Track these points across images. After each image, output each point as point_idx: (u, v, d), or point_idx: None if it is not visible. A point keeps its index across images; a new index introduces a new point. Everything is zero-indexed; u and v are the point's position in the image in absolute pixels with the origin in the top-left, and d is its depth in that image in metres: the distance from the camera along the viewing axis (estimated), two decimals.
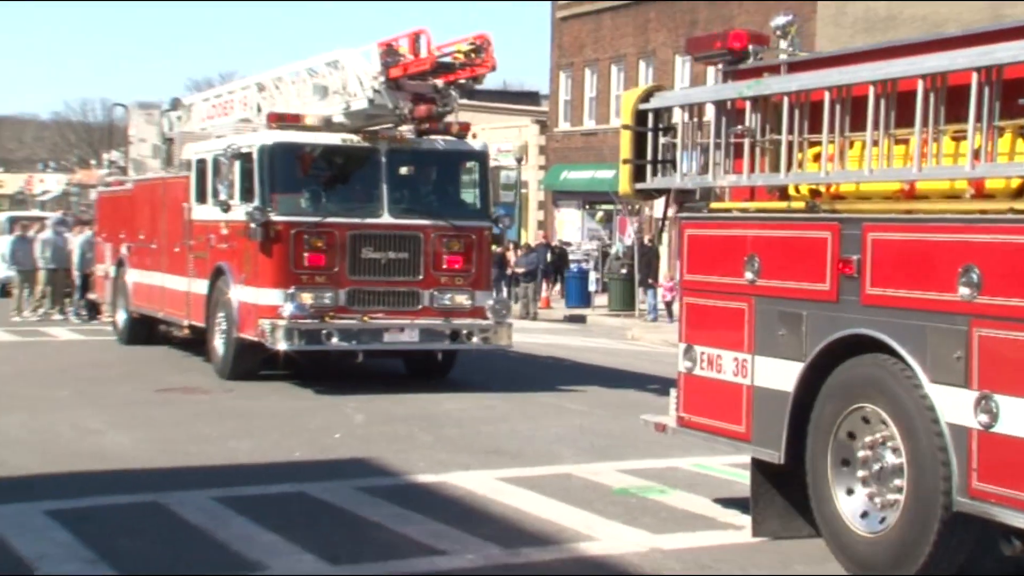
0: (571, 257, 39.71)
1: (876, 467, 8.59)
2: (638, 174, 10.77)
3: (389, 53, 16.29)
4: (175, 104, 23.52)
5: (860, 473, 8.73)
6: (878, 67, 8.67)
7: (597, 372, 21.30)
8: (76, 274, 28.77)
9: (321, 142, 17.66)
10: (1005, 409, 7.43)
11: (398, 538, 9.49)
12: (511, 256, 36.13)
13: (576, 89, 49.21)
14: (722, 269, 9.84)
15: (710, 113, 10.17)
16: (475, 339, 17.66)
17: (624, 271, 36.34)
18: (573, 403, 17.35)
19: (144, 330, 23.13)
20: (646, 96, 10.79)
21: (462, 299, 17.75)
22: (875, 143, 8.54)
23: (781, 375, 9.24)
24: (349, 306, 17.20)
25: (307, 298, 16.91)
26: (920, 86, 8.20)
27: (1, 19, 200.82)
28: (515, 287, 35.70)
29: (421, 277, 17.52)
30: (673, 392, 10.52)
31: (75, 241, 29.10)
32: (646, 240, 38.32)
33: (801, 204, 9.31)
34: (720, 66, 10.44)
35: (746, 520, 10.18)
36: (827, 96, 8.96)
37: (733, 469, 12.16)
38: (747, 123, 9.65)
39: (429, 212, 17.81)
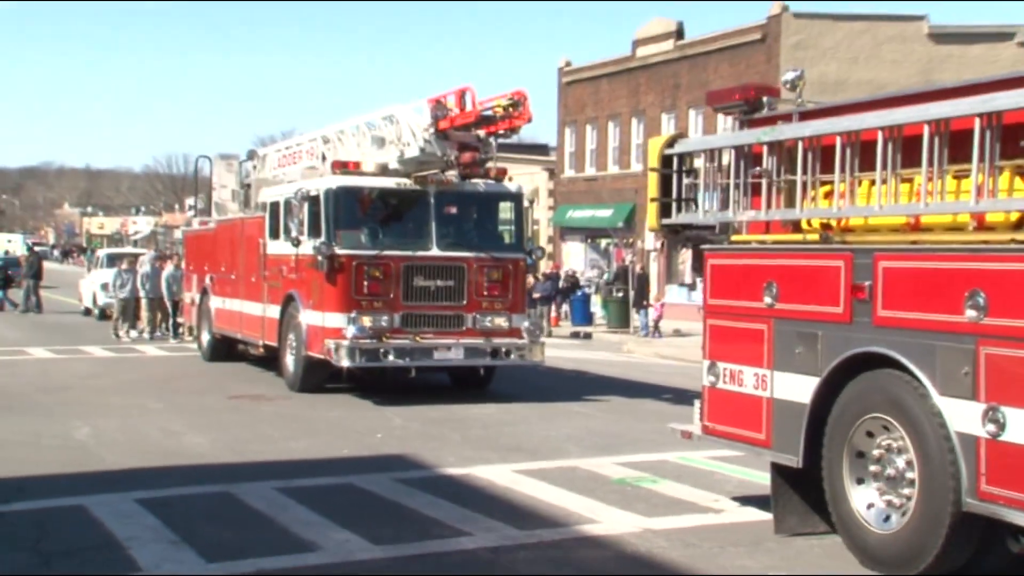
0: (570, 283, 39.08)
1: (888, 471, 8.06)
2: (664, 211, 10.15)
3: (438, 107, 15.93)
4: (251, 155, 23.16)
5: (873, 477, 8.21)
6: (886, 114, 8.15)
7: (600, 381, 21.11)
8: (168, 302, 28.37)
9: (378, 185, 17.17)
10: (1012, 419, 6.95)
11: (431, 522, 9.44)
12: (530, 281, 35.51)
13: (579, 142, 48.86)
14: (743, 294, 9.27)
15: (728, 157, 9.58)
16: (513, 356, 17.14)
17: (620, 294, 35.89)
18: (581, 407, 17.20)
19: (224, 349, 22.65)
20: (670, 142, 10.33)
21: (501, 321, 17.20)
22: (883, 181, 8.04)
23: (798, 388, 8.72)
24: (403, 328, 16.71)
25: (367, 321, 16.43)
26: (926, 130, 7.75)
27: (102, 85, 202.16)
28: (532, 309, 35.04)
29: (465, 302, 17.00)
30: (697, 403, 9.91)
31: (162, 274, 28.67)
32: (638, 268, 37.91)
33: (815, 236, 8.79)
34: (737, 115, 9.77)
35: (725, 504, 10.27)
36: (838, 140, 8.45)
37: (713, 462, 12.11)
38: (764, 165, 9.05)
39: (472, 245, 17.31)
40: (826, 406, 8.41)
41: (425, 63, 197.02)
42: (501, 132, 15.92)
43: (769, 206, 9.07)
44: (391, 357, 16.40)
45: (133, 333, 28.73)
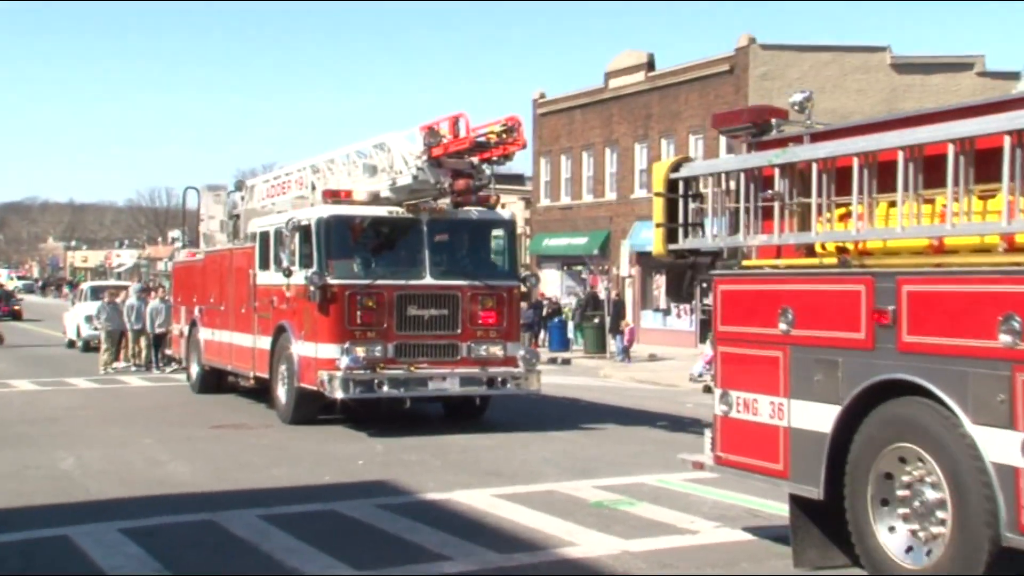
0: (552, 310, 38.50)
1: (916, 503, 7.48)
2: (670, 236, 9.55)
3: (431, 135, 15.22)
4: (239, 185, 22.42)
5: (900, 509, 7.65)
6: (908, 134, 7.59)
7: (578, 405, 20.71)
8: (151, 334, 27.60)
9: (370, 214, 16.51)
10: None
11: (412, 546, 9.29)
12: None
13: (554, 172, 48.42)
14: (756, 320, 8.71)
15: (736, 180, 9.02)
16: (509, 385, 16.44)
17: (596, 320, 35.42)
18: (559, 431, 16.79)
19: (214, 380, 21.77)
20: (676, 166, 9.76)
21: (496, 350, 16.49)
22: (905, 203, 7.42)
23: (818, 417, 8.13)
24: (397, 358, 15.98)
25: (360, 351, 15.69)
26: (951, 149, 7.16)
27: (85, 121, 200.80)
28: None
29: (459, 331, 16.30)
30: (708, 432, 9.33)
31: (147, 307, 27.86)
32: (613, 294, 37.42)
33: (832, 260, 8.18)
34: (744, 138, 9.21)
35: (701, 525, 10.09)
36: (856, 161, 7.87)
37: (689, 484, 11.95)
38: (776, 188, 8.49)
39: (465, 274, 16.61)
40: (848, 435, 7.85)
41: (399, 96, 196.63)
42: (495, 159, 15.29)
43: (781, 230, 8.52)
44: (386, 388, 15.69)
45: (119, 364, 27.90)
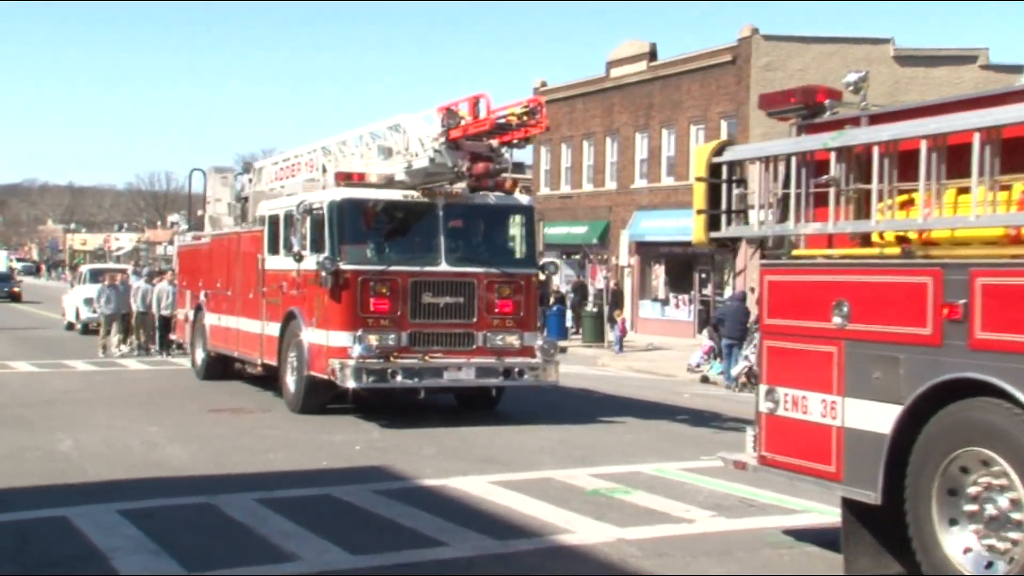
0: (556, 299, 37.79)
1: (990, 512, 6.81)
2: (713, 224, 8.82)
3: (450, 116, 14.39)
4: (247, 168, 21.58)
5: (971, 517, 6.96)
6: (985, 114, 6.84)
7: (576, 394, 20.21)
8: (157, 318, 26.89)
9: (384, 198, 15.68)
10: None
11: (408, 532, 9.15)
12: None
13: (554, 160, 47.72)
14: (807, 314, 8.01)
15: (783, 165, 8.30)
16: (526, 376, 15.63)
17: (595, 309, 34.80)
18: (556, 420, 16.36)
19: (220, 367, 20.88)
20: (719, 150, 8.99)
21: (512, 339, 15.69)
22: (979, 189, 6.74)
23: (876, 417, 7.44)
24: (411, 347, 15.19)
25: (373, 340, 14.90)
26: None
27: (85, 103, 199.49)
28: None
29: (475, 320, 15.50)
30: (750, 431, 8.63)
31: (154, 289, 27.19)
32: (612, 284, 36.77)
33: (896, 250, 7.44)
34: (794, 120, 8.48)
35: (696, 514, 9.97)
36: (923, 145, 7.13)
37: (685, 473, 11.91)
38: (831, 172, 7.77)
39: (482, 261, 15.80)
40: (910, 437, 7.16)
41: (398, 84, 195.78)
42: (514, 142, 14.53)
43: (837, 218, 7.82)
44: (399, 378, 14.90)
45: (124, 348, 27.13)
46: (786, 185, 8.29)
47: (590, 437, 14.82)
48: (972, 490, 6.85)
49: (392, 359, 14.92)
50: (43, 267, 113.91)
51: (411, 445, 13.77)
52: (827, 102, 8.30)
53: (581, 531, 9.23)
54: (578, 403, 18.32)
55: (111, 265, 49.71)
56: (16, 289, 59.68)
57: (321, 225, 15.55)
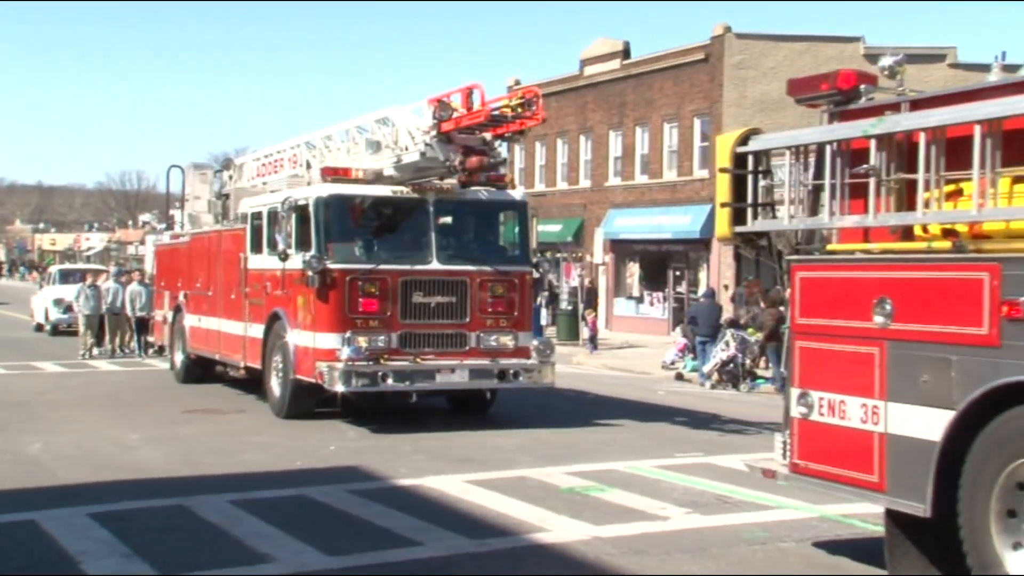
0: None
1: None
2: (737, 218, 8.08)
3: (442, 108, 13.51)
4: (226, 164, 20.49)
5: None
6: None
7: (551, 393, 19.50)
8: (132, 319, 25.91)
9: (373, 193, 14.77)
10: None
11: (383, 532, 8.95)
12: None
13: (528, 159, 47.03)
14: (844, 312, 7.30)
15: (815, 153, 7.58)
16: (521, 378, 14.79)
17: (570, 308, 34.12)
18: (531, 418, 15.89)
19: (200, 370, 19.91)
20: (744, 139, 8.22)
21: (506, 340, 14.86)
22: None
23: (924, 423, 6.75)
24: (401, 348, 14.32)
25: (362, 341, 14.01)
26: None
27: (54, 102, 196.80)
28: None
29: (468, 320, 14.65)
30: (779, 437, 7.90)
31: (127, 290, 26.09)
32: (587, 282, 36.09)
33: (946, 244, 6.73)
34: (826, 107, 7.75)
35: (672, 511, 9.84)
36: (977, 130, 6.40)
37: (659, 470, 11.79)
38: (871, 162, 7.05)
39: (474, 258, 14.94)
40: (963, 445, 6.49)
41: (368, 83, 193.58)
42: (508, 135, 13.67)
43: (877, 210, 7.11)
44: (390, 381, 14.02)
45: (98, 351, 26.05)
46: (817, 176, 7.60)
47: (566, 435, 14.48)
48: None
49: (382, 361, 14.07)
50: (3, 268, 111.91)
51: (386, 444, 13.43)
52: (862, 87, 7.59)
53: (557, 529, 9.06)
54: (554, 401, 17.72)
55: (83, 265, 48.34)
56: None
57: (307, 222, 14.66)
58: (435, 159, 13.82)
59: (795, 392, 7.64)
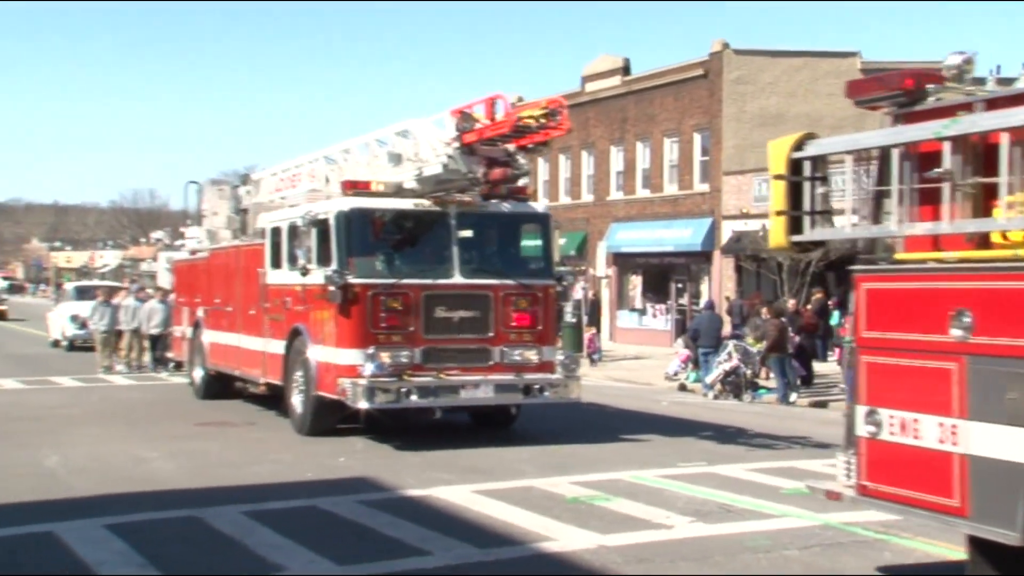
0: None
1: None
2: (793, 226, 7.36)
3: (465, 119, 12.76)
4: (244, 179, 19.62)
5: None
6: None
7: (556, 404, 19.16)
8: (145, 333, 25.10)
9: (394, 207, 13.98)
10: None
11: (392, 542, 8.79)
12: None
13: (532, 174, 45.94)
14: (917, 325, 6.57)
15: (878, 158, 6.87)
16: (547, 393, 13.97)
17: (574, 320, 33.49)
18: (537, 428, 15.42)
19: (219, 386, 19.04)
20: (799, 144, 7.45)
21: (531, 354, 14.04)
22: None
23: (1010, 444, 6.04)
24: (424, 364, 13.51)
25: (385, 357, 13.22)
26: None
27: (68, 123, 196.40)
28: None
29: (491, 334, 13.83)
30: (842, 457, 7.14)
31: (144, 307, 25.28)
32: (590, 295, 35.40)
33: None
34: (888, 109, 7.04)
35: (675, 520, 9.56)
36: None
37: (664, 480, 11.57)
38: (945, 165, 6.34)
39: (497, 272, 14.12)
40: None
41: (374, 101, 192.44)
42: (530, 146, 12.88)
43: (952, 216, 6.39)
44: (414, 397, 13.21)
45: (119, 366, 25.29)
46: (879, 181, 6.90)
47: (571, 445, 14.11)
48: None
49: (405, 377, 13.28)
50: (27, 287, 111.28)
51: (394, 455, 13.14)
52: (930, 87, 6.87)
53: (563, 538, 8.90)
54: (557, 412, 17.12)
55: (97, 282, 47.57)
56: (2, 307, 57.35)
57: (328, 237, 13.86)
58: (457, 171, 13.05)
59: (862, 410, 6.89)
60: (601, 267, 40.75)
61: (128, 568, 7.94)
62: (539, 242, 14.61)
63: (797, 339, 22.62)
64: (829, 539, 8.92)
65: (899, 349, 6.67)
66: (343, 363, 13.45)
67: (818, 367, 24.42)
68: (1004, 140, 6.13)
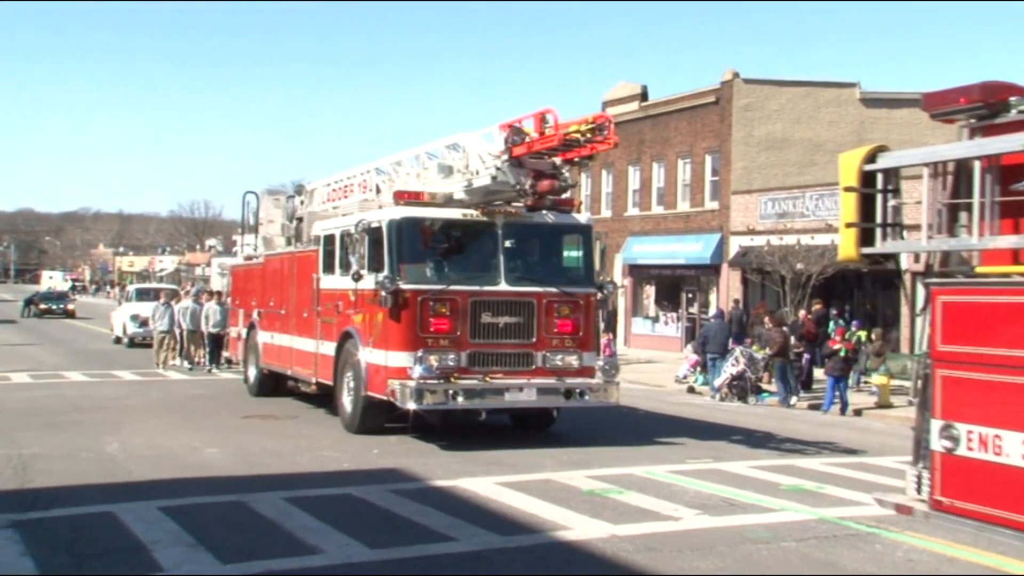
0: None
1: None
2: (864, 238, 6.57)
3: (515, 132, 11.96)
4: (299, 190, 18.85)
5: None
6: None
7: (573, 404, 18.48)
8: (204, 332, 24.28)
9: (444, 216, 13.24)
10: None
11: (421, 528, 8.67)
12: None
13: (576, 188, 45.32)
14: (998, 340, 5.78)
15: (956, 171, 6.08)
16: (587, 397, 13.17)
17: None
18: (555, 426, 14.89)
19: (272, 384, 18.29)
20: (871, 156, 6.65)
21: (571, 360, 13.28)
22: None
23: None
24: (470, 367, 12.77)
25: (433, 360, 12.49)
26: None
27: (133, 138, 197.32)
28: None
29: (534, 340, 13.07)
30: (912, 471, 6.34)
31: (203, 309, 24.53)
32: (608, 304, 34.50)
33: None
34: (966, 122, 6.25)
35: (683, 512, 9.43)
36: None
37: (673, 475, 11.34)
38: None
39: (541, 280, 13.35)
40: None
41: (402, 121, 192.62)
42: (577, 159, 12.11)
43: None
44: (460, 399, 12.45)
45: (177, 362, 24.63)
46: (954, 195, 6.12)
47: (587, 442, 13.85)
48: None
49: (452, 380, 12.53)
50: (89, 287, 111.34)
51: (423, 449, 12.88)
52: (1012, 100, 6.09)
53: (578, 528, 8.82)
54: (574, 411, 16.48)
55: (155, 284, 47.17)
56: (71, 307, 57.28)
57: (380, 244, 13.14)
58: (506, 183, 12.29)
59: (937, 424, 6.09)
60: (618, 277, 40.01)
61: (179, 547, 7.93)
62: (581, 252, 13.84)
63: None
64: (825, 532, 8.79)
65: (979, 363, 5.87)
66: (393, 365, 12.72)
67: (817, 373, 23.71)
68: None
